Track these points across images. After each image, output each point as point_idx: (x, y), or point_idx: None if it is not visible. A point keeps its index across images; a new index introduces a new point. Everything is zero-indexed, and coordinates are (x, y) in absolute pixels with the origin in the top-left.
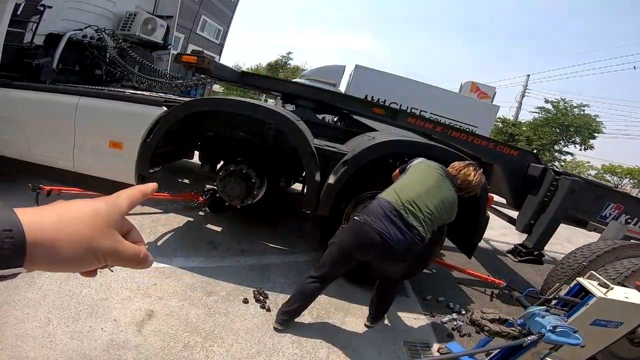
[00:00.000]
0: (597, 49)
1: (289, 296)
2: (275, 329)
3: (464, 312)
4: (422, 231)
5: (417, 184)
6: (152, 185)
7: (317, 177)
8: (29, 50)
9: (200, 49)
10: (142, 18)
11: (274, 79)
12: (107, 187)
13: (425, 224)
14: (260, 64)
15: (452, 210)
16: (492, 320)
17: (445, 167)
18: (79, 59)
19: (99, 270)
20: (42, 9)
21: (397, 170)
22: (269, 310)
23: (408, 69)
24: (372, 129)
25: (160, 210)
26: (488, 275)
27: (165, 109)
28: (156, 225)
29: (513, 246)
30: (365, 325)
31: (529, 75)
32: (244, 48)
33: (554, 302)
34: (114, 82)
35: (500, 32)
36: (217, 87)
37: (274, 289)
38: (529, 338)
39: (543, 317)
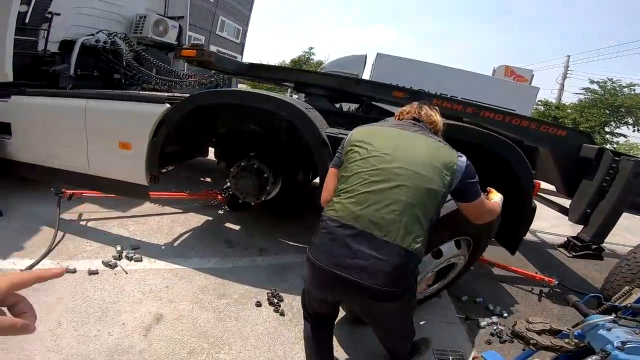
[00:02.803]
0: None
1: None
2: None
3: (506, 315)
4: (400, 241)
5: (360, 169)
6: (53, 271)
7: None
8: (44, 57)
9: (200, 42)
10: (153, 20)
11: (282, 68)
12: (124, 188)
13: (409, 225)
14: (284, 60)
15: (438, 158)
16: (540, 332)
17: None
18: (96, 64)
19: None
20: (49, 16)
21: (330, 170)
22: (282, 314)
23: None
24: (392, 115)
25: (180, 210)
26: (536, 272)
27: (168, 106)
28: (174, 225)
29: (566, 239)
30: None
31: (569, 56)
32: (270, 46)
33: (621, 310)
34: (133, 85)
35: (532, 14)
36: (242, 86)
37: (290, 291)
38: (591, 358)
39: (609, 329)
